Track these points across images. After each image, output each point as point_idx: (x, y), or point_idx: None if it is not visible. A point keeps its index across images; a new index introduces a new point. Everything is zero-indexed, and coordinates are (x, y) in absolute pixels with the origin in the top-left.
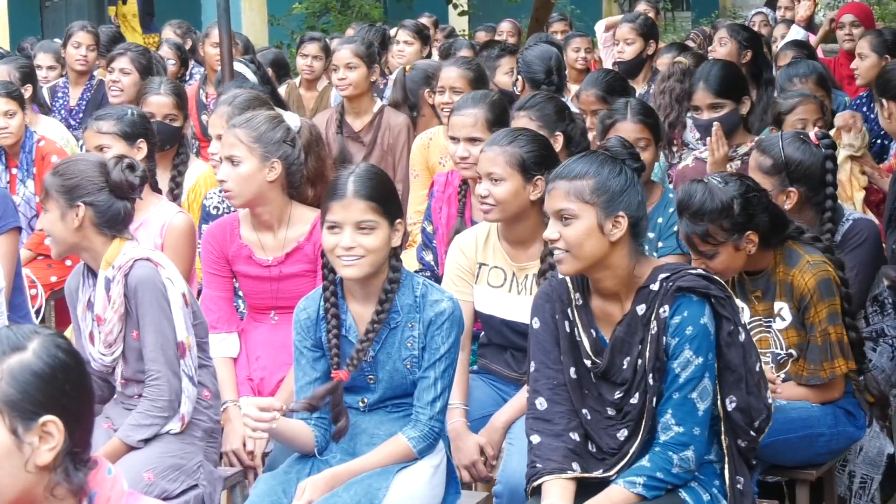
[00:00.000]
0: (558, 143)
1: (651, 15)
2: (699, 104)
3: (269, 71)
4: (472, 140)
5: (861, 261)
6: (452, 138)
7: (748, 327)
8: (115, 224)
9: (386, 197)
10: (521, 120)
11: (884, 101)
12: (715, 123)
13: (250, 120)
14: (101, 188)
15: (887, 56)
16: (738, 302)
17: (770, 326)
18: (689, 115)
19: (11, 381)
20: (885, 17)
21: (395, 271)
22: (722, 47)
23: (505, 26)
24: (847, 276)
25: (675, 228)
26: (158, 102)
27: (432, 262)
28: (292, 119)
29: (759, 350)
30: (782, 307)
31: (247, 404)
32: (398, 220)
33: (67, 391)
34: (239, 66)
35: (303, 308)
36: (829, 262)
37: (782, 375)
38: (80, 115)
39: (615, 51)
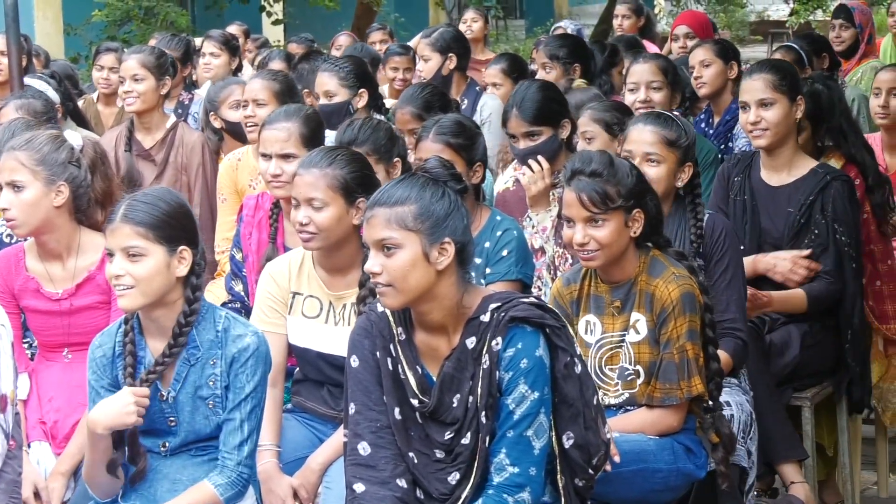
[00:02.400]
0: (398, 169)
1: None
2: (514, 132)
3: None
4: (286, 157)
5: (732, 261)
6: (264, 155)
7: (599, 343)
8: None
9: (164, 222)
10: None
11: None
12: (539, 158)
13: (31, 141)
14: None
15: (733, 62)
16: (591, 317)
17: (623, 340)
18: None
19: None
20: (731, 25)
21: (190, 303)
22: (548, 74)
23: (343, 40)
24: (720, 279)
25: (505, 253)
26: None
27: (242, 293)
28: (74, 137)
29: (609, 366)
30: (639, 319)
31: (126, 392)
32: (182, 248)
33: None
34: (35, 83)
35: (98, 345)
36: (693, 279)
37: (626, 395)
38: None
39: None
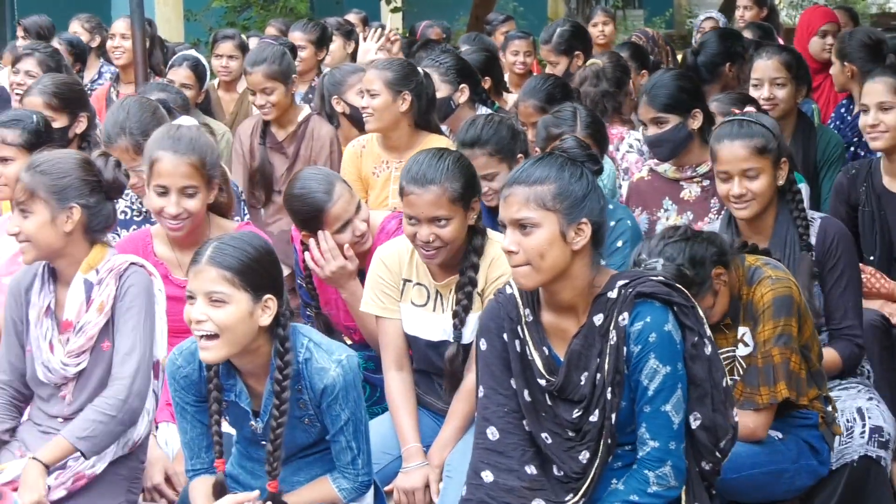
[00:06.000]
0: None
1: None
2: (643, 118)
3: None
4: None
5: (847, 267)
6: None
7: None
8: (104, 228)
9: (251, 267)
10: (480, 159)
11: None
12: None
13: (194, 144)
14: (94, 188)
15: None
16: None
17: (734, 355)
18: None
19: None
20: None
21: (282, 356)
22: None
23: (433, 30)
24: (836, 286)
25: (620, 244)
26: (31, 103)
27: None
28: (189, 122)
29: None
30: (745, 332)
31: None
32: (267, 297)
33: None
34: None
35: (178, 366)
36: (795, 283)
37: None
38: None
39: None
